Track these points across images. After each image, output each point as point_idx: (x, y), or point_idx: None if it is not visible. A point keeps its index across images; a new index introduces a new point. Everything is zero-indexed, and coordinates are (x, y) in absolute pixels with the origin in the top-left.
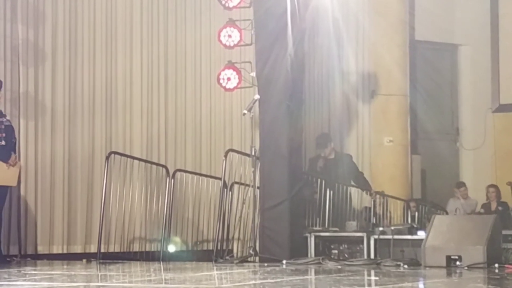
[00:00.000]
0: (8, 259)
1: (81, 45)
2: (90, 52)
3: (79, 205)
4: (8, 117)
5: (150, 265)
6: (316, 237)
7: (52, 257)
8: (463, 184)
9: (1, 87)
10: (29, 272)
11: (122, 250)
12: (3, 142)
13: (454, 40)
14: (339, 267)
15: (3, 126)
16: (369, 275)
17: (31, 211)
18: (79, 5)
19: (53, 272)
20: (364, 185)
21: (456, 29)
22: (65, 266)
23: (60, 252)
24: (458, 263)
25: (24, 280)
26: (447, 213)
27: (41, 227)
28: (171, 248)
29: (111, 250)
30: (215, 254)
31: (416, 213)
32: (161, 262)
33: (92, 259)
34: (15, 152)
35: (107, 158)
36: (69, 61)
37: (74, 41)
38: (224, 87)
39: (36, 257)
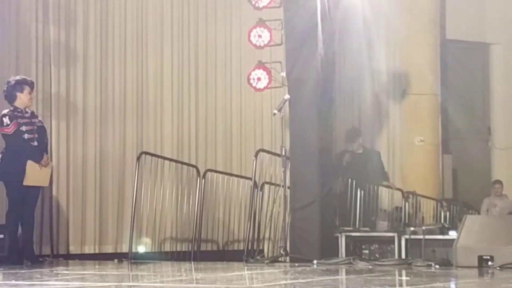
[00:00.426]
0: (40, 259)
1: (112, 46)
2: (121, 53)
3: (111, 206)
4: (40, 118)
5: (181, 265)
6: (347, 237)
7: (84, 257)
8: (498, 182)
9: (33, 88)
10: (61, 272)
11: (153, 250)
12: (36, 143)
13: (486, 39)
14: (370, 267)
15: (35, 127)
16: (400, 275)
17: (63, 211)
18: (110, 6)
19: (85, 272)
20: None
21: (488, 28)
22: (96, 266)
23: (92, 252)
24: (490, 263)
25: (56, 280)
26: (479, 213)
27: (73, 227)
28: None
29: (141, 250)
30: (246, 254)
31: (448, 213)
32: (193, 262)
33: (124, 259)
34: (47, 153)
35: (138, 158)
36: (100, 62)
37: (105, 42)
38: (255, 87)
39: (68, 257)
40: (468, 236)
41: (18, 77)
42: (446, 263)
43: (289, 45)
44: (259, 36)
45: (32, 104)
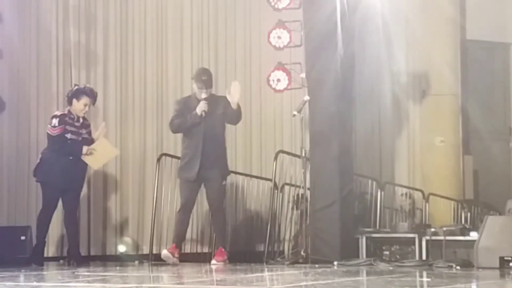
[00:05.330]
0: (61, 260)
1: (132, 47)
2: (141, 54)
3: (131, 207)
4: (90, 129)
5: (202, 267)
6: (367, 238)
7: (104, 259)
8: None
9: (93, 100)
10: (82, 273)
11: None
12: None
13: (506, 39)
14: (391, 268)
15: (80, 138)
16: (421, 276)
17: (84, 213)
18: (130, 7)
19: (105, 274)
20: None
21: (508, 28)
22: (117, 267)
23: (112, 253)
24: (511, 264)
25: (77, 282)
26: (500, 214)
27: (94, 229)
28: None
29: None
30: (266, 255)
31: (469, 214)
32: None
33: (144, 261)
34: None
35: (158, 160)
36: (120, 64)
37: (125, 44)
38: (274, 89)
39: (89, 259)
40: (489, 237)
41: (84, 85)
42: (467, 264)
43: (308, 46)
44: (279, 37)
45: (83, 115)
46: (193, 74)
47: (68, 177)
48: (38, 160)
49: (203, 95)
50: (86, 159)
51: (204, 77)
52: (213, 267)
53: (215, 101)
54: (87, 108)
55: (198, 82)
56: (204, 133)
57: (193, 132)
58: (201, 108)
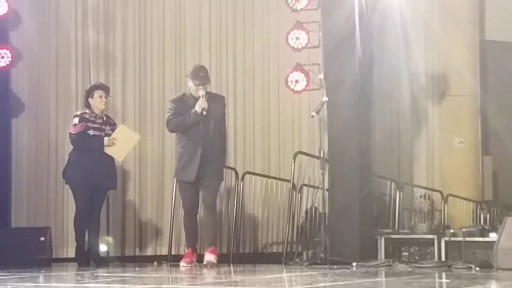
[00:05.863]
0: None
1: (150, 48)
2: (160, 55)
3: (150, 209)
4: (115, 127)
5: (220, 267)
6: (386, 239)
7: (123, 260)
8: None
9: (106, 91)
10: (101, 274)
11: None
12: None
13: None
14: (410, 269)
15: (103, 134)
16: (440, 277)
17: (103, 214)
18: (148, 9)
19: (125, 274)
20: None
21: None
22: (136, 269)
23: (131, 254)
24: None
25: (96, 283)
26: None
27: (113, 230)
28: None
29: (181, 252)
30: (284, 256)
31: (488, 215)
32: (231, 265)
33: (163, 262)
34: None
35: None
36: (139, 65)
37: (144, 45)
38: (292, 90)
39: (108, 260)
40: (508, 238)
41: (92, 84)
42: (487, 266)
43: (326, 47)
44: (297, 38)
45: (105, 107)
46: (188, 72)
47: (96, 174)
48: (66, 162)
49: (201, 92)
50: (108, 151)
51: (202, 73)
52: (208, 265)
53: (213, 98)
54: (104, 99)
55: (195, 79)
56: (203, 131)
57: (192, 130)
58: (201, 105)
